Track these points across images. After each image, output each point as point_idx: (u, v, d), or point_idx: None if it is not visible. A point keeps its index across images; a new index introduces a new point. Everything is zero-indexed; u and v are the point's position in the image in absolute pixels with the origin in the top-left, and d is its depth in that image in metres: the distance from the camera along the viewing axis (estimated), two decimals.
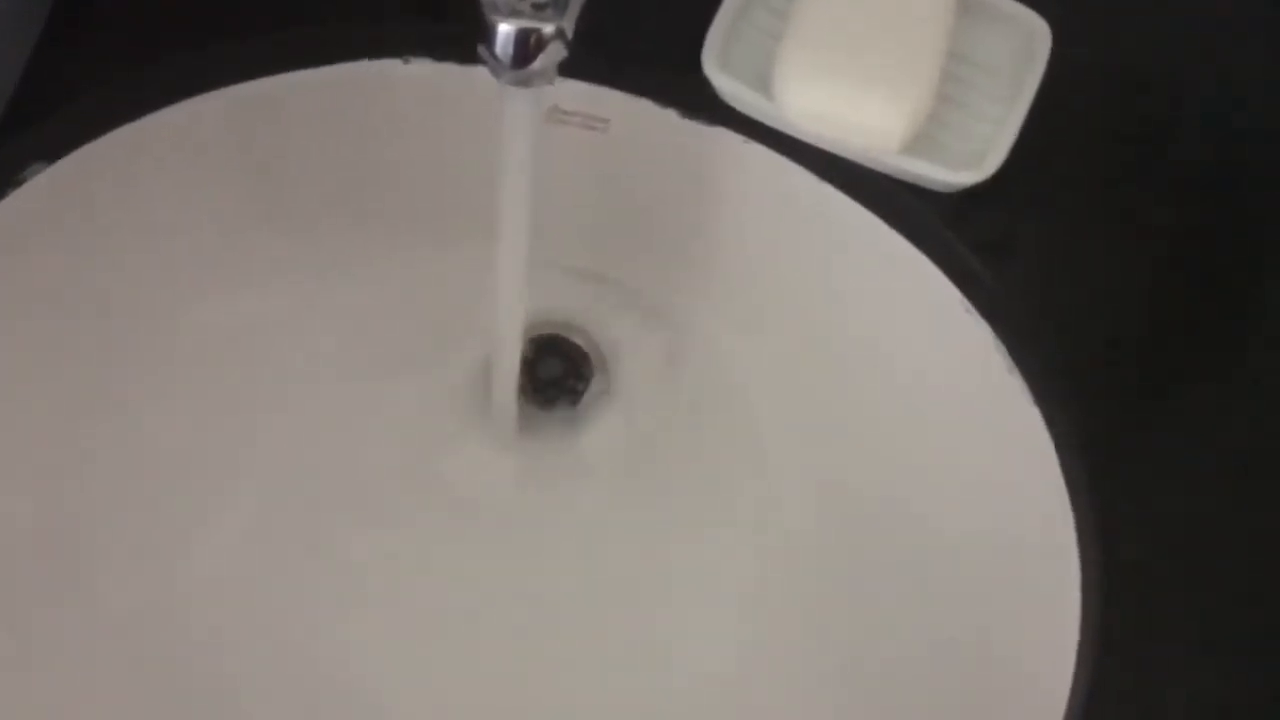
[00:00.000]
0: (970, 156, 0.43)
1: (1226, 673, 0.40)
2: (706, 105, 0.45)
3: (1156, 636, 0.40)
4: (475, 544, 0.50)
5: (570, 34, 0.37)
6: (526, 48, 0.37)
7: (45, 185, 0.44)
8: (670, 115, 0.46)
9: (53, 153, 0.44)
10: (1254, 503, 0.41)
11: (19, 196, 0.43)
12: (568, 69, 0.38)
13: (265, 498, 0.49)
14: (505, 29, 0.37)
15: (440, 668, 0.48)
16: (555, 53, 0.37)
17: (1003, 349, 0.43)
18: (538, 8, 0.37)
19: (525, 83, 0.38)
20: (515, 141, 0.40)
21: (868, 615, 0.47)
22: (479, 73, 0.38)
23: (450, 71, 0.46)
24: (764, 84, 0.43)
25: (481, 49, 0.38)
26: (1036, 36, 0.44)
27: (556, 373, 0.52)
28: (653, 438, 0.51)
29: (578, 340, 0.52)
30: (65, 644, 0.46)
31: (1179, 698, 0.39)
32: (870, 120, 0.42)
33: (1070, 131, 0.44)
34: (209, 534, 0.48)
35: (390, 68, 0.46)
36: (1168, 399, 0.43)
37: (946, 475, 0.47)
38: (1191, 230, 0.44)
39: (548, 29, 0.37)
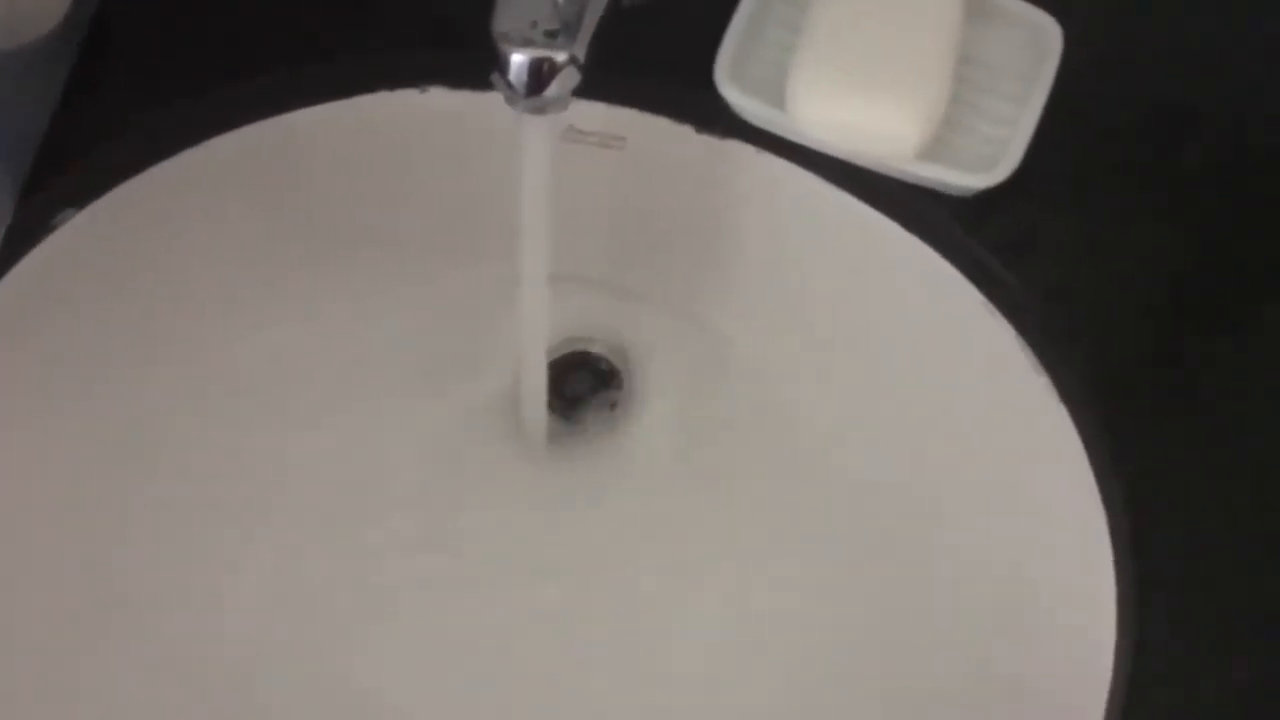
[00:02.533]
0: (986, 159, 0.43)
1: (1260, 666, 0.40)
2: (721, 119, 0.45)
3: (1191, 634, 0.40)
4: (511, 562, 0.50)
5: (583, 60, 0.38)
6: (540, 76, 0.37)
7: (76, 231, 0.44)
8: (686, 130, 0.46)
9: (82, 199, 0.44)
10: None
11: (51, 243, 0.44)
12: (582, 89, 0.39)
13: (301, 523, 0.49)
14: (518, 59, 0.37)
15: (478, 687, 0.48)
16: (569, 79, 0.38)
17: (1027, 348, 0.43)
18: (550, 35, 0.37)
19: (540, 110, 0.38)
20: (533, 165, 0.41)
21: (904, 620, 0.47)
22: (495, 98, 0.39)
23: (467, 98, 0.46)
24: (777, 97, 0.43)
25: (495, 78, 0.38)
26: (1047, 35, 0.44)
27: (584, 388, 0.52)
28: (681, 449, 0.51)
29: (604, 354, 0.53)
30: (111, 673, 0.46)
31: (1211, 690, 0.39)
32: (885, 129, 0.42)
33: (1086, 128, 0.44)
34: (248, 559, 0.49)
35: (408, 97, 0.46)
36: (1195, 393, 0.42)
37: (976, 474, 0.47)
38: (1213, 223, 0.44)
39: (560, 57, 0.37)
